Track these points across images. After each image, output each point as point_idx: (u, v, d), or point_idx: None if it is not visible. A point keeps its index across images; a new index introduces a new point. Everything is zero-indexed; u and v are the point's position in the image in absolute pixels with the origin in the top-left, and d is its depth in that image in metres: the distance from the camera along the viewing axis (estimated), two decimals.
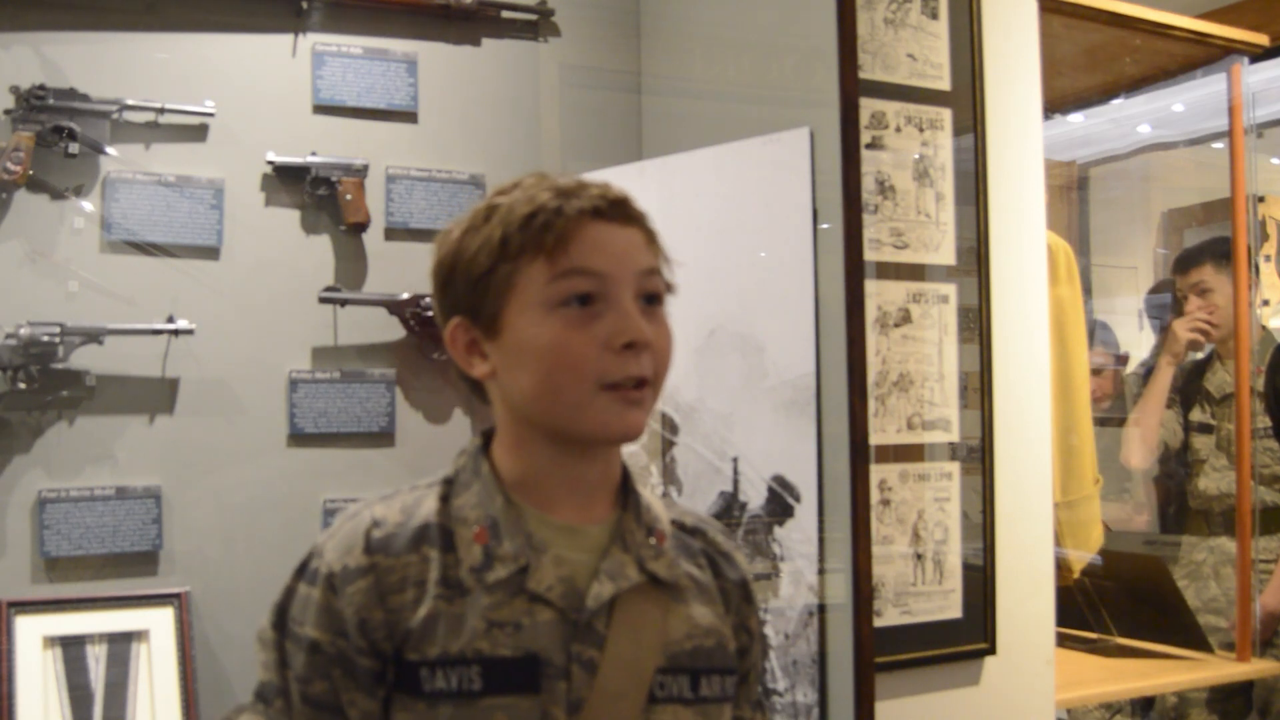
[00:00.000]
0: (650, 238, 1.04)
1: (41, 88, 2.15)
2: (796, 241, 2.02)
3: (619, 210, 1.02)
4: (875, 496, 1.99)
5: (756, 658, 1.15)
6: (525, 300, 0.99)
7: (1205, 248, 3.15)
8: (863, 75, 1.98)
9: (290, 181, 2.37)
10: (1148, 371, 3.28)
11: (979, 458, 2.11)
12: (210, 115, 2.29)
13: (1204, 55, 2.68)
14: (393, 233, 2.45)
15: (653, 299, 1.02)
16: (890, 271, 2.05)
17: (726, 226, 2.12)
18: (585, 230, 0.99)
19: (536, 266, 0.99)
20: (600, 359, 0.98)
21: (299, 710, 1.00)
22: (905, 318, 2.06)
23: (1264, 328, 3.18)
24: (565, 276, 0.98)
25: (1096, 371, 3.49)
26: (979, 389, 2.12)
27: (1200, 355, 3.27)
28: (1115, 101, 3.11)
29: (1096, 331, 3.75)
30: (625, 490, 1.08)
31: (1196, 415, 3.18)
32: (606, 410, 0.98)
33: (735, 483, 2.09)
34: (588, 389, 0.98)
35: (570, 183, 1.02)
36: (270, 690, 1.02)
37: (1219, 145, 3.26)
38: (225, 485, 2.30)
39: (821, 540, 1.96)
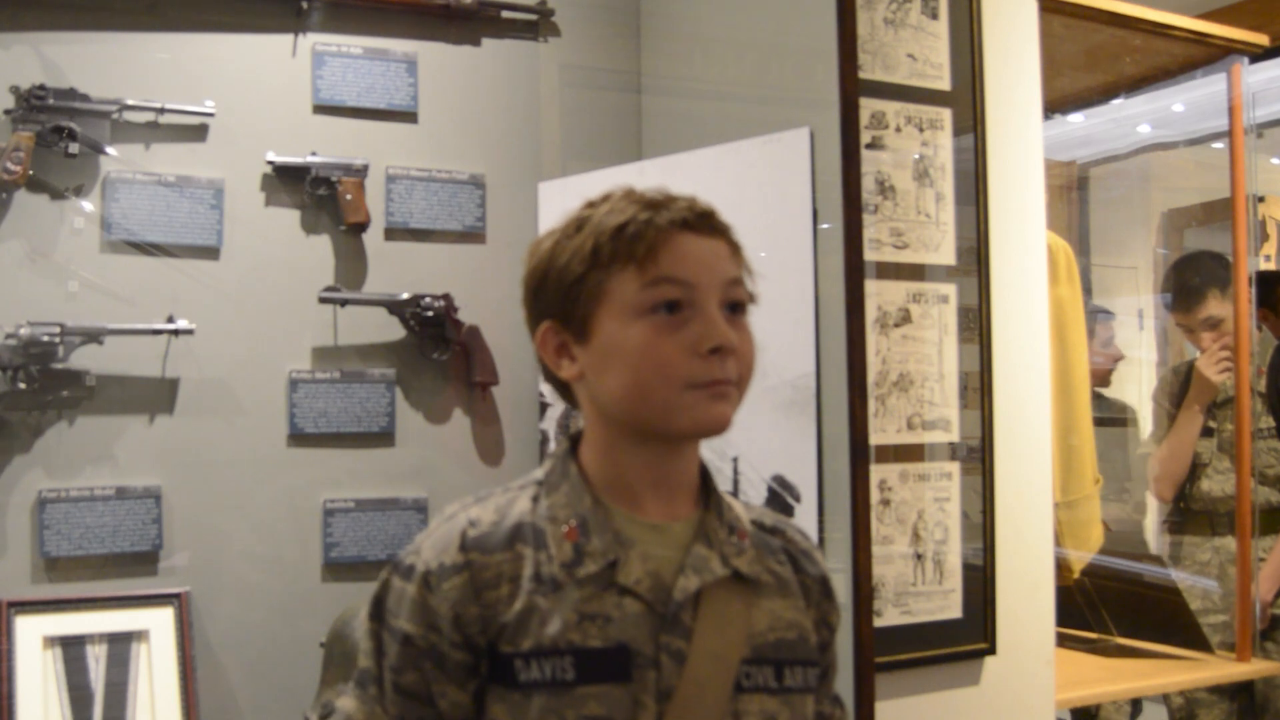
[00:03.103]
0: (735, 249, 1.09)
1: (41, 88, 2.15)
2: (796, 241, 2.02)
3: (705, 222, 1.07)
4: (875, 496, 1.99)
5: (834, 653, 1.19)
6: (615, 306, 1.04)
7: (1204, 277, 3.08)
8: (863, 75, 1.98)
9: (290, 181, 2.37)
10: (1184, 380, 3.21)
11: (979, 458, 2.11)
12: (210, 115, 2.30)
13: (1204, 55, 2.68)
14: (393, 233, 2.45)
15: (736, 307, 1.07)
16: (890, 271, 2.05)
17: None
18: (674, 241, 1.04)
19: (627, 274, 1.03)
20: (687, 363, 1.02)
21: (391, 698, 1.05)
22: (905, 318, 2.06)
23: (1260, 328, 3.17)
24: (654, 284, 1.03)
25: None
26: (979, 389, 2.12)
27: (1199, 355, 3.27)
28: (1115, 101, 3.10)
29: (1097, 318, 3.71)
30: (706, 490, 1.12)
31: None
32: (695, 406, 1.03)
33: (735, 483, 2.09)
34: (674, 390, 1.02)
35: (659, 196, 1.07)
36: (367, 677, 1.08)
37: (1219, 145, 3.26)
38: (225, 485, 2.30)
39: (821, 540, 1.96)
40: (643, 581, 1.04)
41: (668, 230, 1.04)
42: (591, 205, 1.09)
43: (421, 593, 1.04)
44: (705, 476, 1.12)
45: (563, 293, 1.06)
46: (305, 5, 2.37)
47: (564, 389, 1.13)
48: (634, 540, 1.06)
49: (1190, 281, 3.12)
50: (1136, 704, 3.39)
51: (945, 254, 2.10)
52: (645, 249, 1.03)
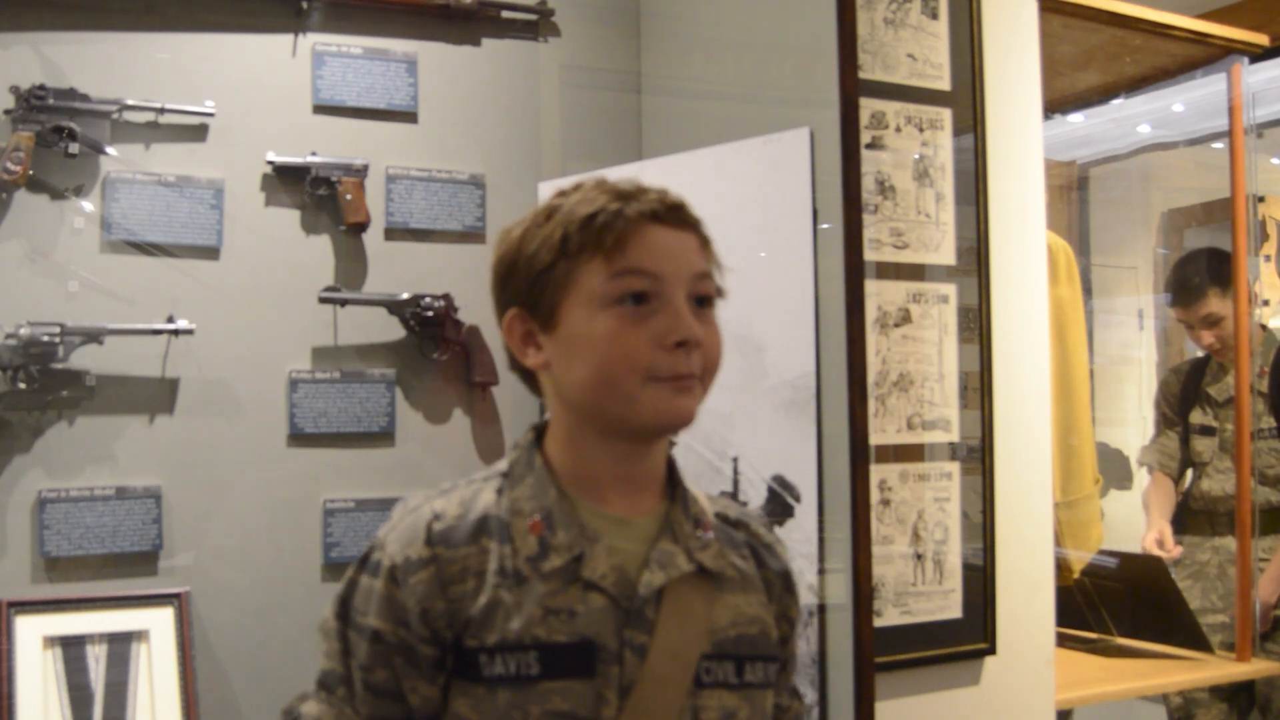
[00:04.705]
0: (704, 242, 1.09)
1: (41, 88, 2.15)
2: (796, 241, 2.02)
3: (675, 215, 1.06)
4: (875, 496, 1.99)
5: (795, 646, 1.19)
6: (582, 296, 1.04)
7: (1205, 275, 3.09)
8: (863, 75, 1.97)
9: (290, 181, 2.37)
10: (1184, 381, 3.23)
11: (979, 458, 2.11)
12: (210, 115, 2.29)
13: (1204, 55, 2.68)
14: (393, 233, 2.45)
15: (703, 301, 1.07)
16: (890, 271, 2.05)
17: (726, 226, 2.11)
18: (642, 232, 1.04)
19: (595, 265, 1.03)
20: (652, 355, 1.02)
21: (361, 697, 1.04)
22: (905, 318, 2.06)
23: (1264, 328, 3.17)
24: (621, 275, 1.03)
25: None
26: (979, 389, 2.12)
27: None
28: (1115, 101, 3.10)
29: None
30: (672, 483, 1.11)
31: (1197, 418, 3.18)
32: (658, 399, 1.02)
33: (735, 483, 2.09)
34: (637, 382, 1.02)
35: (629, 187, 1.07)
36: (333, 679, 1.07)
37: (1219, 145, 3.26)
38: (225, 485, 2.30)
39: (821, 540, 1.96)
40: (608, 576, 1.03)
41: (636, 221, 1.03)
42: (563, 194, 1.08)
43: (389, 588, 1.03)
44: (671, 469, 1.12)
45: (530, 281, 1.06)
46: (305, 5, 2.37)
47: (529, 378, 1.12)
48: (599, 534, 1.05)
49: (1191, 278, 3.12)
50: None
51: (945, 254, 2.10)
52: (613, 239, 1.02)
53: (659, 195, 1.06)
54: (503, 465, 1.11)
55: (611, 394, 1.02)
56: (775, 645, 1.13)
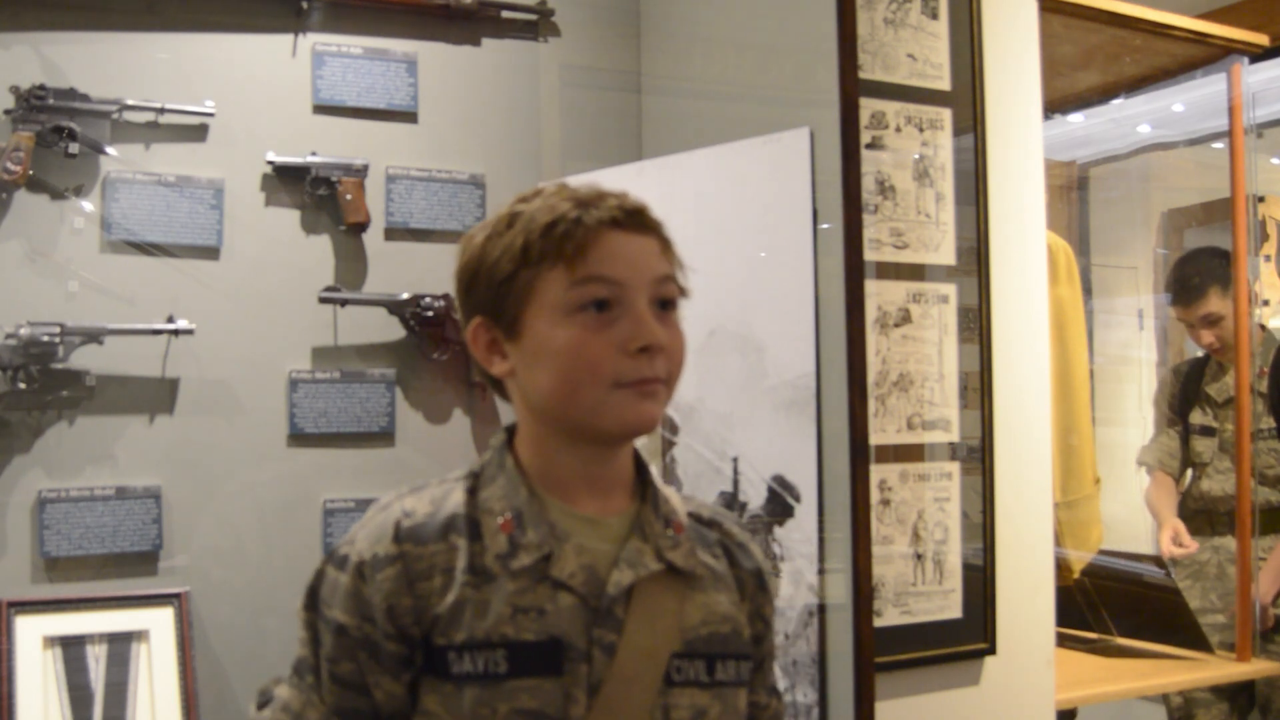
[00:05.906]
0: (665, 245, 1.09)
1: (41, 88, 2.15)
2: (796, 241, 2.02)
3: (635, 220, 1.06)
4: (875, 496, 1.99)
5: (771, 645, 1.20)
6: (544, 304, 1.04)
7: (1205, 274, 3.09)
8: (863, 75, 1.98)
9: (290, 181, 2.37)
10: (1183, 381, 3.24)
11: (979, 458, 2.11)
12: (210, 115, 2.29)
13: (1204, 55, 2.68)
14: (393, 233, 2.45)
15: (666, 304, 1.07)
16: (890, 271, 2.05)
17: (726, 226, 2.12)
18: (603, 239, 1.04)
19: (556, 273, 1.03)
20: (616, 361, 1.02)
21: (327, 687, 1.06)
22: (905, 318, 2.06)
23: (1263, 328, 3.17)
24: (583, 283, 1.03)
25: None
26: (979, 389, 2.12)
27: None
28: (1115, 101, 3.10)
29: None
30: (643, 483, 1.12)
31: (1197, 418, 3.18)
32: (622, 406, 1.03)
33: (735, 483, 2.09)
34: (602, 389, 1.02)
35: (590, 193, 1.07)
36: (304, 666, 1.09)
37: (1219, 145, 3.26)
38: (225, 485, 2.30)
39: (821, 540, 1.96)
40: (577, 575, 1.04)
41: (597, 228, 1.03)
42: (524, 200, 1.08)
43: (355, 583, 1.04)
44: (641, 469, 1.13)
45: (493, 290, 1.06)
46: (305, 5, 2.37)
47: (497, 384, 1.13)
48: (569, 533, 1.06)
49: (1191, 278, 3.13)
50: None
51: (945, 254, 2.10)
52: (574, 247, 1.03)
53: (619, 201, 1.06)
54: (475, 465, 1.12)
55: (577, 401, 1.03)
56: (748, 643, 1.13)
